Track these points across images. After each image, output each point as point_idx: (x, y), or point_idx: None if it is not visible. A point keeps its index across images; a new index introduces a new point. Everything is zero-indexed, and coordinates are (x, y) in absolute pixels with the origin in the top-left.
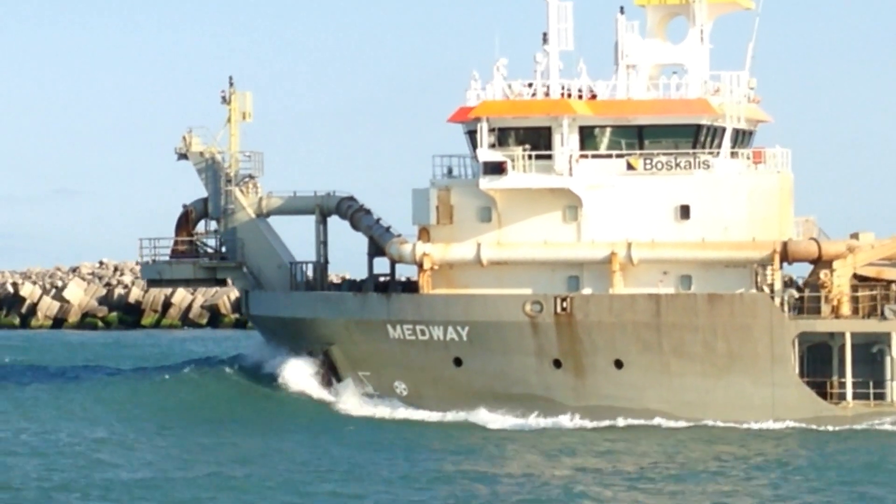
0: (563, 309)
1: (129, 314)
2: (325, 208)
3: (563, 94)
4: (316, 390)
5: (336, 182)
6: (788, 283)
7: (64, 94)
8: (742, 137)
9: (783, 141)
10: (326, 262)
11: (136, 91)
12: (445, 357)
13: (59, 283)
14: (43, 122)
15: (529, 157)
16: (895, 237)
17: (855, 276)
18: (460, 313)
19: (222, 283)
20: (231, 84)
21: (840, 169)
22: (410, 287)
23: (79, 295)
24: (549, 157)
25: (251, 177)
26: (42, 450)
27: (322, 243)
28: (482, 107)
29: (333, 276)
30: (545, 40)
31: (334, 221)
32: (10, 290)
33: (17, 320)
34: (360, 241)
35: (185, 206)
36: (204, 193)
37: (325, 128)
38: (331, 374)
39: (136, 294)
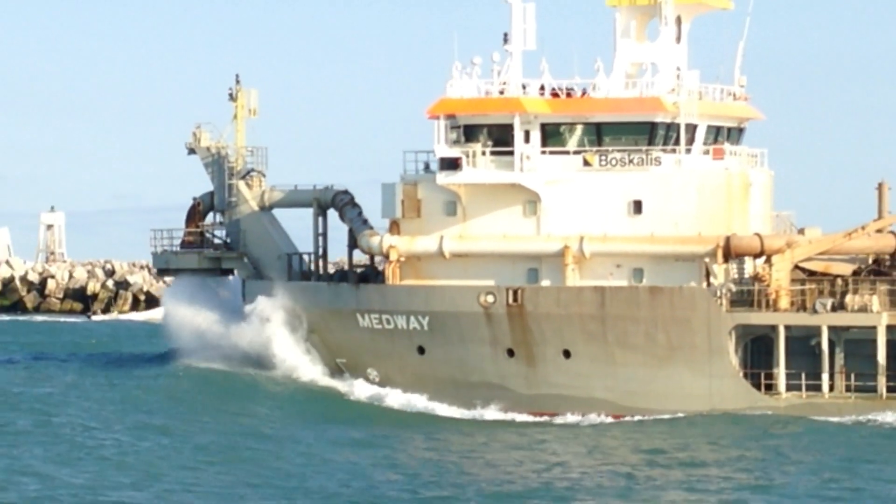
0: (515, 300)
1: None
2: (323, 201)
3: (556, 93)
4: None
5: (344, 176)
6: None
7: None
8: (728, 134)
9: (779, 138)
10: (325, 252)
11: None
12: (409, 345)
13: None
14: None
15: (489, 153)
16: (834, 234)
17: (804, 270)
18: (421, 303)
19: (228, 272)
20: (238, 81)
21: (837, 164)
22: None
23: None
24: (510, 153)
25: (256, 171)
26: None
27: (321, 235)
28: (440, 104)
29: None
30: (506, 40)
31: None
32: None
33: None
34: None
35: (194, 199)
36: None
37: (330, 123)
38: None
39: None
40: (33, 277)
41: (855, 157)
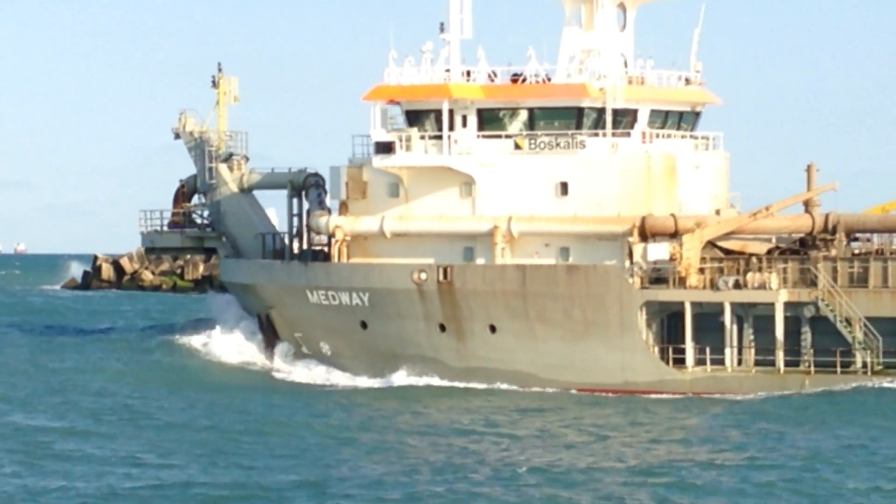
0: (445, 278)
1: None
2: (296, 183)
3: (516, 80)
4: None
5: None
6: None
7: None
8: (680, 118)
9: (743, 122)
10: (300, 232)
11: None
12: (353, 320)
13: None
14: None
15: (423, 137)
16: (741, 214)
17: (723, 250)
18: (361, 281)
19: (212, 251)
20: (220, 70)
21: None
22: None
23: None
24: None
25: (238, 155)
26: None
27: (296, 215)
28: (375, 91)
29: None
30: (442, 29)
31: None
32: None
33: None
34: None
35: (180, 182)
36: None
37: (323, 107)
38: (272, 335)
39: None
40: None
41: (812, 139)
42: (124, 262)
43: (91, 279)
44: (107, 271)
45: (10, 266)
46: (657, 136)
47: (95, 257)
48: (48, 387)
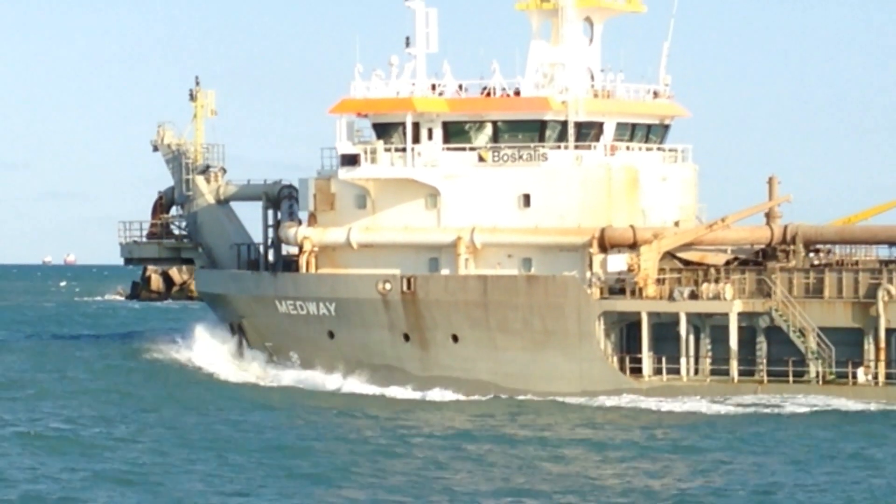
0: (409, 288)
1: None
2: (270, 195)
3: (485, 93)
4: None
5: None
6: None
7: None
8: (648, 131)
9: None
10: (275, 243)
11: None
12: (321, 330)
13: None
14: None
15: (389, 149)
16: (698, 225)
17: (682, 260)
18: (328, 291)
19: (189, 261)
20: (197, 83)
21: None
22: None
23: None
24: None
25: (215, 167)
26: None
27: (271, 226)
28: (341, 104)
29: None
30: (408, 43)
31: None
32: None
33: None
34: None
35: (159, 193)
36: None
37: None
38: (244, 343)
39: None
40: None
41: (782, 151)
42: (173, 273)
43: (140, 290)
44: (156, 282)
45: (60, 277)
46: (626, 148)
47: (145, 268)
48: (99, 400)
